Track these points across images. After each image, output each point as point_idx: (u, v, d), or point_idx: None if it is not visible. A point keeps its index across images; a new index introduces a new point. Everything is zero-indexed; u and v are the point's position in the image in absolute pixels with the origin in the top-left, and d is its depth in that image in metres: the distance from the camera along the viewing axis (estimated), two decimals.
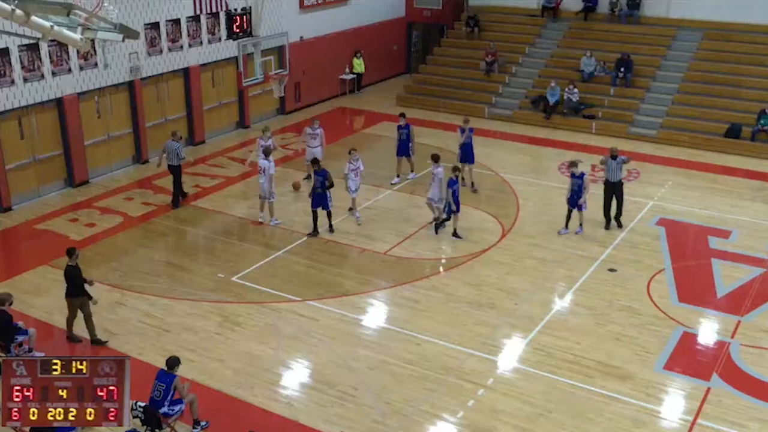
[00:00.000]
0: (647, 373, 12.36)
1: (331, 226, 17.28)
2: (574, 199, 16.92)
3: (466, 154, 19.56)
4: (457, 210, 16.93)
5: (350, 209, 18.19)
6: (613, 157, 17.32)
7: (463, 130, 19.42)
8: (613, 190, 17.43)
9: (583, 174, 16.92)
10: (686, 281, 15.30)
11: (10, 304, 12.46)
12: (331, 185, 16.91)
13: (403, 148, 20.13)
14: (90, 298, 12.98)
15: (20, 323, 12.78)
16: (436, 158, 17.52)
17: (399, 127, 20.14)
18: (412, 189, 19.92)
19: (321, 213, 17.15)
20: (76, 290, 12.92)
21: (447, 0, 31.09)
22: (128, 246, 16.92)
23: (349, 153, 17.96)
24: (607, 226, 17.44)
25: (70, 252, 12.94)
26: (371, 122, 26.18)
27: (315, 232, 17.12)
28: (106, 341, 13.15)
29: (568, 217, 17.21)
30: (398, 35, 32.38)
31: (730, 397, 11.78)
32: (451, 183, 16.63)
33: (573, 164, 17.22)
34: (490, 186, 20.28)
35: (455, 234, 17.07)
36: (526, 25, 29.78)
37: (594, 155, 22.56)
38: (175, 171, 18.66)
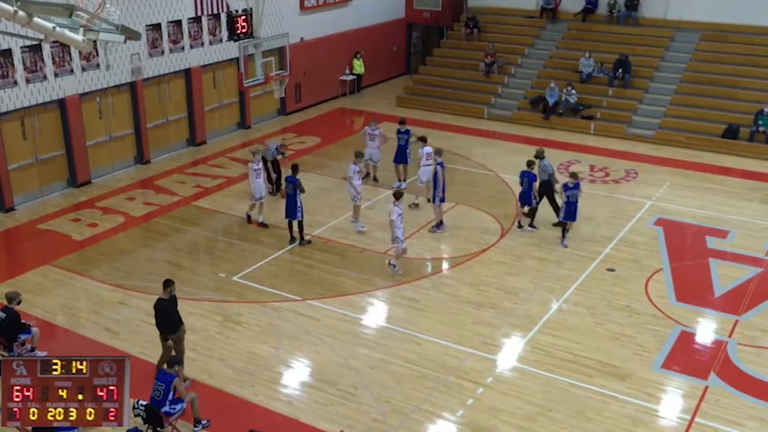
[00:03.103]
0: (646, 372, 12.44)
1: (302, 238, 16.85)
2: (570, 211, 16.84)
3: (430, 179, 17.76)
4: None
5: (390, 261, 15.98)
6: (540, 158, 17.59)
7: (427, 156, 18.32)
8: (544, 189, 17.64)
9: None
10: (684, 281, 15.38)
11: (18, 302, 12.54)
12: (302, 191, 16.46)
13: (401, 155, 20.07)
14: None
15: (32, 323, 12.85)
16: (424, 139, 18.89)
17: (398, 132, 20.13)
18: (412, 189, 19.93)
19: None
20: (173, 324, 11.88)
21: (446, 1, 31.20)
22: (130, 246, 16.98)
23: (395, 196, 15.90)
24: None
25: (166, 284, 11.79)
26: None
27: (292, 239, 16.91)
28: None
29: (564, 230, 17.01)
30: (398, 36, 32.45)
31: (727, 395, 11.85)
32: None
33: (573, 175, 16.96)
34: (489, 186, 20.35)
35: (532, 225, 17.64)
36: (525, 27, 29.84)
37: (592, 156, 22.70)
38: (274, 166, 19.49)
